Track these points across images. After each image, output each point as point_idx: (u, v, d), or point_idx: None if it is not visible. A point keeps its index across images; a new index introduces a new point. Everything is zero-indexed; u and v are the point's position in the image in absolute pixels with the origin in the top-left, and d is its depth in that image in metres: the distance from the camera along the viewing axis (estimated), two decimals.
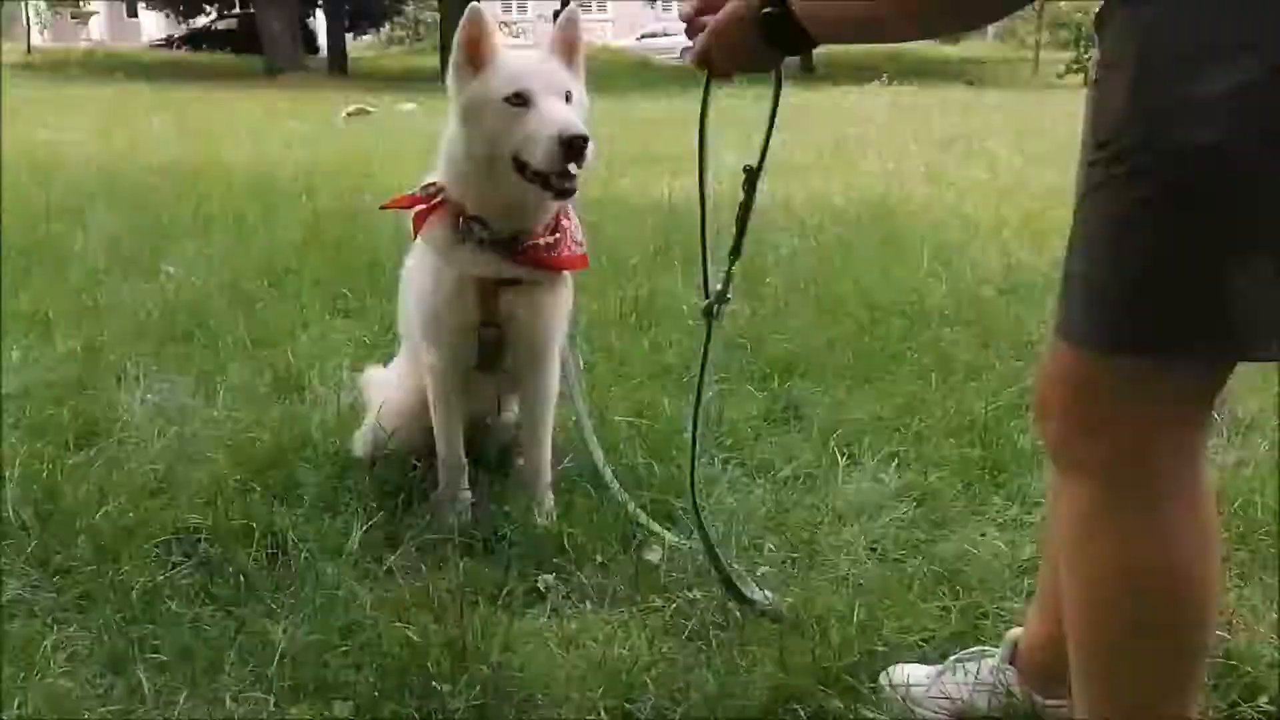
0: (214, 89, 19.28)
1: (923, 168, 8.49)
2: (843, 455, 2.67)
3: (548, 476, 2.41)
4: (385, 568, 2.11)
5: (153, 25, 42.75)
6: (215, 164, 8.32)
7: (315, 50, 31.68)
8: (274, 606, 1.96)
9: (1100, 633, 1.32)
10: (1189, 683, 1.32)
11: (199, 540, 2.18)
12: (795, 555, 2.23)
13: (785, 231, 5.45)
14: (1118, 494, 1.28)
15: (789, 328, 3.70)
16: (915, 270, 4.62)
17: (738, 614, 1.98)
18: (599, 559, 2.17)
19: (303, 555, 2.12)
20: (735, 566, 2.07)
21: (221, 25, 35.37)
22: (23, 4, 32.11)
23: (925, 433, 2.82)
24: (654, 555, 2.18)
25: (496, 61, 2.03)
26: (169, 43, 36.32)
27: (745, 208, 1.80)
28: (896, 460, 2.65)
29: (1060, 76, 23.32)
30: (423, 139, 9.87)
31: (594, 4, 44.43)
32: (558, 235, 2.19)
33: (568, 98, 2.07)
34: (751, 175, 1.76)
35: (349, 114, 13.55)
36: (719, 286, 1.90)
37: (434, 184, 2.19)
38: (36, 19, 36.19)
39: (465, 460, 2.40)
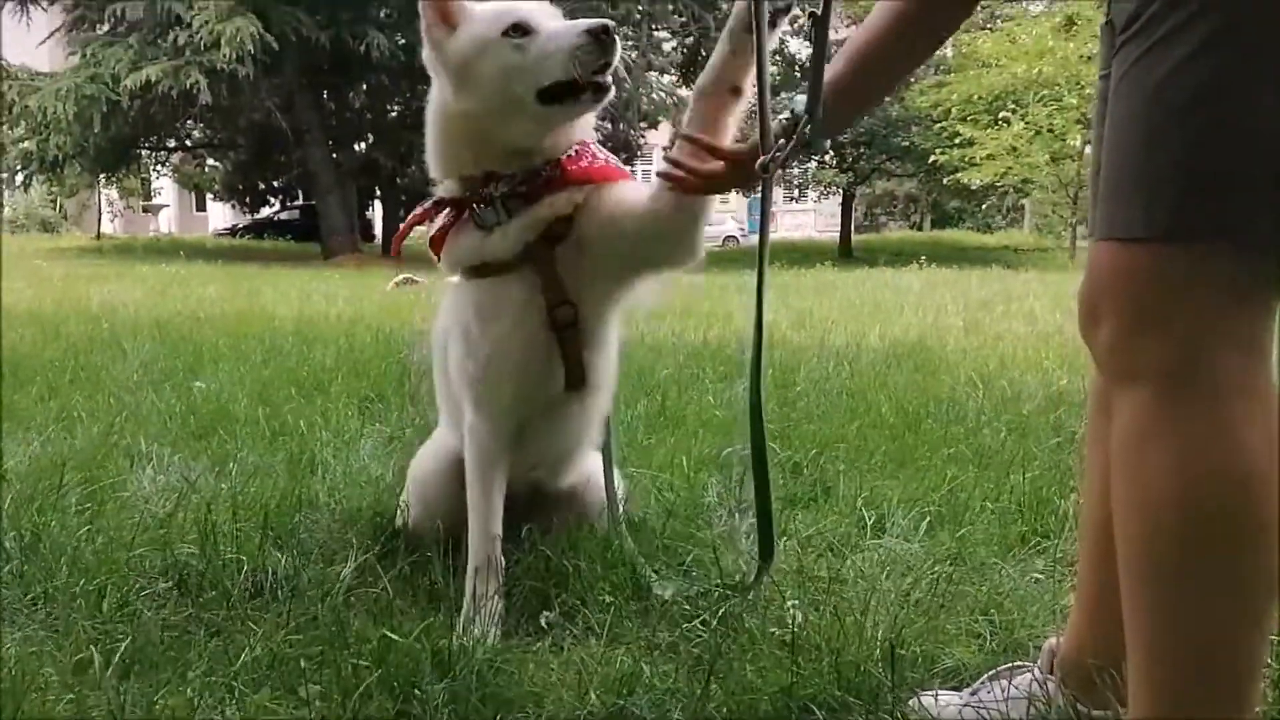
0: (270, 267, 19.98)
1: (961, 322, 8.46)
2: (870, 518, 2.52)
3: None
4: (375, 596, 1.98)
5: (220, 217, 44.86)
6: (260, 313, 8.50)
7: (371, 238, 32.94)
8: (254, 626, 1.83)
9: (1159, 553, 1.17)
10: (1260, 613, 1.15)
11: (187, 572, 2.06)
12: (820, 604, 2.07)
13: (819, 362, 5.40)
14: (1177, 394, 1.15)
15: (821, 416, 3.58)
16: (952, 385, 4.51)
17: (755, 633, 1.81)
18: (607, 598, 2.02)
19: (291, 587, 2.00)
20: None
21: (284, 215, 37.03)
22: (97, 193, 33.84)
23: (961, 504, 2.66)
24: (666, 592, 2.03)
25: (471, 10, 1.88)
26: (233, 231, 37.98)
27: (816, 55, 1.64)
28: (928, 521, 2.49)
29: None
30: None
31: None
32: (577, 151, 1.94)
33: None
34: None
35: (397, 283, 13.89)
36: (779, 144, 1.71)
37: (428, 204, 2.04)
38: (109, 208, 38.09)
39: (503, 559, 2.02)
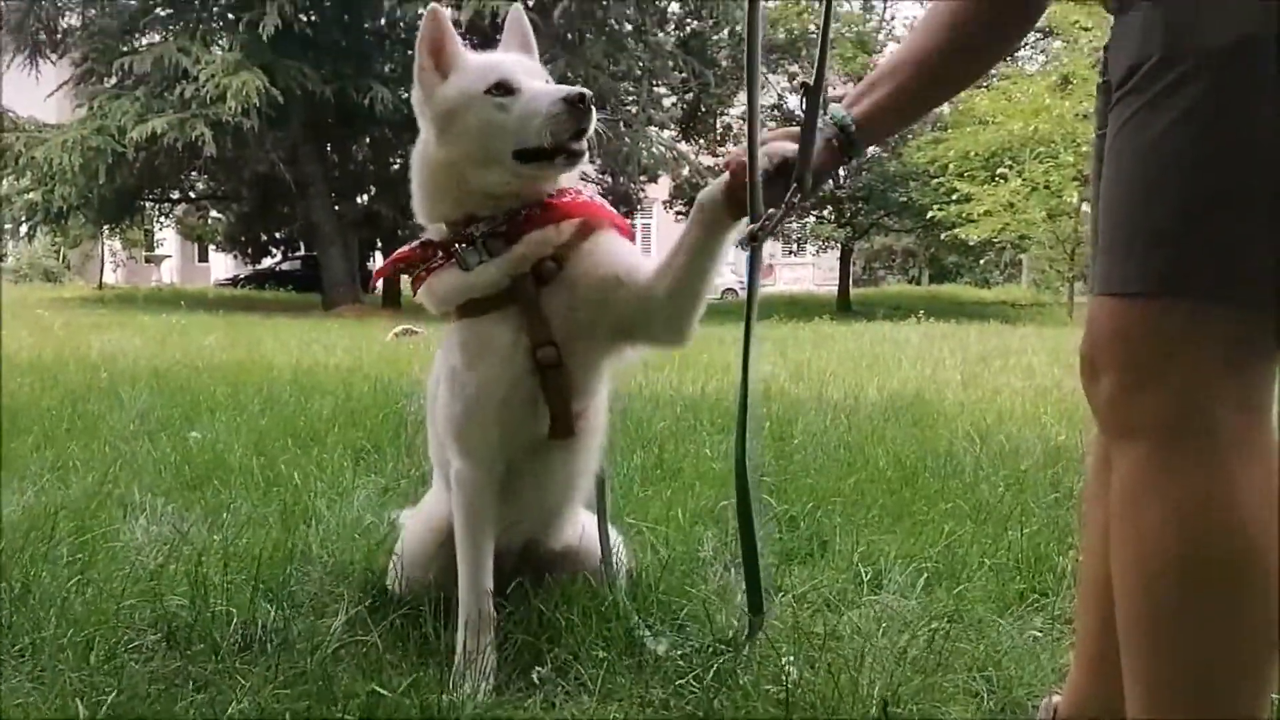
0: (271, 317, 20.04)
1: (959, 376, 8.46)
2: (867, 574, 2.50)
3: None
4: (365, 650, 1.95)
5: (221, 268, 45.07)
6: (259, 363, 8.51)
7: (372, 289, 33.08)
8: (242, 679, 1.81)
9: (1157, 610, 1.16)
10: (1260, 668, 1.14)
11: (169, 623, 2.04)
12: (814, 660, 2.05)
13: (817, 414, 5.39)
14: (1175, 450, 1.16)
15: (818, 469, 3.57)
16: (949, 439, 4.50)
17: (749, 690, 1.79)
18: (600, 653, 2.00)
19: (281, 641, 1.98)
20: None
21: (286, 266, 37.21)
22: (100, 244, 34.03)
23: (958, 560, 2.65)
24: (661, 647, 2.00)
25: (464, 60, 1.91)
26: (234, 282, 38.13)
27: (807, 125, 1.69)
28: (925, 577, 2.47)
29: None
30: None
31: None
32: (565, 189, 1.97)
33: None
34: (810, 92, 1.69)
35: (397, 333, 13.93)
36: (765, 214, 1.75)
37: (414, 245, 2.05)
38: (111, 258, 38.28)
39: (494, 613, 1.98)
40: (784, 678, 1.81)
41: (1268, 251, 1.09)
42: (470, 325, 1.94)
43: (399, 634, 2.06)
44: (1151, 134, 1.12)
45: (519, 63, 1.94)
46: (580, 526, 2.28)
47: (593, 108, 1.84)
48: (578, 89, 1.83)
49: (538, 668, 1.95)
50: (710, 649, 1.99)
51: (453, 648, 1.93)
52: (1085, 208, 23.28)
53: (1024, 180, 22.89)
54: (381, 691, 1.67)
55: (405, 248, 2.07)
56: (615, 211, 2.02)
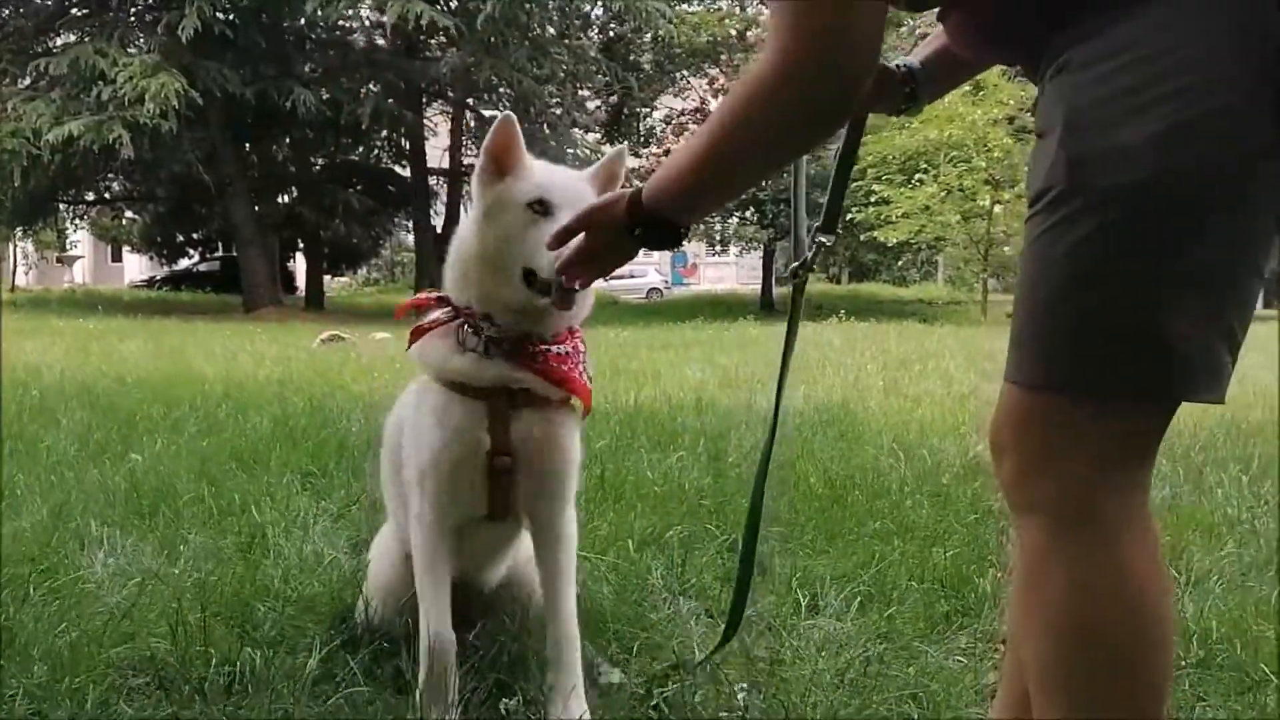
0: (191, 321, 19.72)
1: (881, 382, 8.74)
2: (805, 598, 2.69)
3: (577, 660, 2.06)
4: (339, 688, 2.07)
5: (135, 268, 44.05)
6: (188, 374, 8.46)
7: (294, 290, 32.67)
8: None
9: (1063, 675, 1.32)
10: (1154, 716, 1.31)
11: (158, 663, 2.14)
12: (761, 685, 2.22)
13: (747, 427, 5.59)
14: (1068, 531, 1.31)
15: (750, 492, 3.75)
16: (875, 455, 4.73)
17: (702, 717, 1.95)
18: None
19: (259, 680, 2.09)
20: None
21: (204, 267, 36.53)
22: (12, 245, 33.05)
23: (888, 577, 2.84)
24: (614, 677, 2.16)
25: (524, 168, 1.97)
26: (150, 283, 37.32)
27: (840, 178, 1.82)
28: (859, 599, 2.66)
29: (1009, 316, 24.21)
30: (397, 360, 10.20)
31: None
32: (572, 349, 2.06)
33: None
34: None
35: (323, 340, 13.86)
36: (807, 254, 1.87)
37: (435, 292, 2.12)
38: (24, 260, 37.20)
39: (453, 636, 2.07)
40: (742, 704, 1.97)
41: (1149, 360, 1.27)
42: (442, 397, 2.04)
43: (374, 666, 2.18)
44: (1055, 252, 1.29)
45: (571, 191, 1.96)
46: (515, 567, 2.39)
47: None
48: None
49: (504, 699, 2.09)
50: (665, 676, 2.14)
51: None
52: (998, 209, 24.00)
53: (939, 184, 23.50)
54: None
55: (425, 295, 2.15)
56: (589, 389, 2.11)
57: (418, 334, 2.08)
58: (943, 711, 2.04)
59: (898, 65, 1.82)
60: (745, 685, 2.11)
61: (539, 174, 1.98)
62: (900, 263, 37.00)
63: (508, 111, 2.03)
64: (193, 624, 2.32)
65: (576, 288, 1.84)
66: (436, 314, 2.07)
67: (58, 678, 1.99)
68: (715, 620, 2.59)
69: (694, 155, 1.47)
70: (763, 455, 2.08)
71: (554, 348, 2.04)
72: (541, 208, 1.92)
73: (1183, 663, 2.27)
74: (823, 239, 1.83)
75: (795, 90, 1.34)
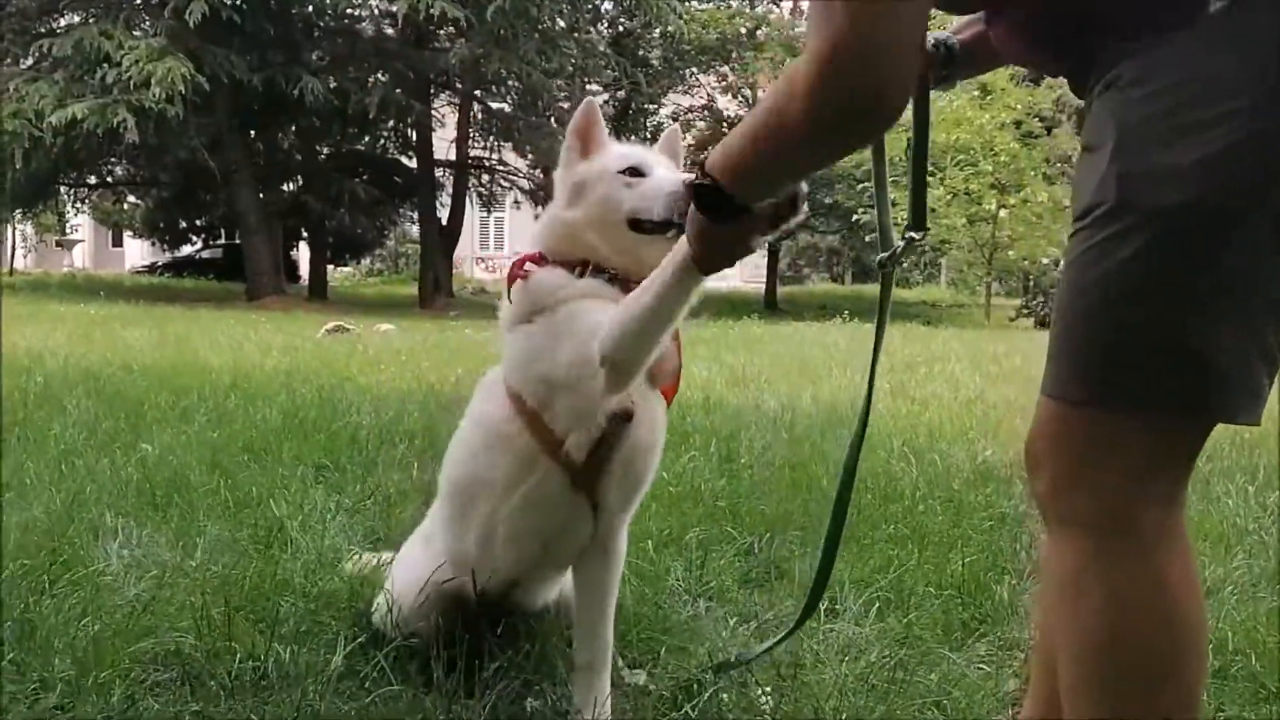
0: (194, 308, 19.71)
1: (887, 385, 8.74)
2: (824, 602, 2.68)
3: (607, 673, 2.07)
4: (364, 685, 2.07)
5: (137, 253, 43.99)
6: (194, 364, 8.46)
7: (297, 279, 32.64)
8: (254, 718, 1.92)
9: (1097, 684, 1.34)
10: None
11: (182, 658, 2.14)
12: (783, 689, 2.22)
13: (757, 427, 5.60)
14: (1105, 545, 1.33)
15: (766, 497, 3.76)
16: (886, 459, 4.73)
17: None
18: None
19: (284, 673, 2.09)
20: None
21: (206, 254, 36.51)
22: (10, 228, 33.03)
23: (905, 583, 2.85)
24: (640, 679, 2.16)
25: (608, 146, 2.12)
26: (151, 269, 37.29)
27: (917, 181, 1.81)
28: (877, 605, 2.67)
29: (1012, 320, 24.39)
30: (402, 352, 10.22)
31: None
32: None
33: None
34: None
35: (328, 330, 13.86)
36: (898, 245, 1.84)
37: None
38: (23, 243, 37.18)
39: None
40: (762, 706, 1.98)
41: (1189, 375, 1.28)
42: (562, 315, 2.01)
43: (395, 666, 2.18)
44: (1100, 270, 1.31)
45: (658, 158, 2.12)
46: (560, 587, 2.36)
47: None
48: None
49: (529, 699, 2.10)
50: (693, 684, 2.14)
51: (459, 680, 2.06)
52: (1003, 213, 24.01)
53: (945, 187, 23.49)
54: None
55: (520, 257, 2.14)
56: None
57: (518, 276, 2.07)
58: (966, 718, 2.04)
59: (935, 44, 1.82)
60: (770, 689, 2.11)
61: (624, 148, 2.12)
62: (904, 265, 36.96)
63: (589, 96, 2.08)
64: (215, 618, 2.33)
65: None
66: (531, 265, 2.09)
67: (83, 673, 1.99)
68: (737, 623, 2.60)
69: (743, 134, 1.46)
70: (853, 445, 2.10)
71: None
72: (633, 172, 2.04)
73: None
74: (914, 235, 1.80)
75: (834, 89, 1.31)
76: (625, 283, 2.00)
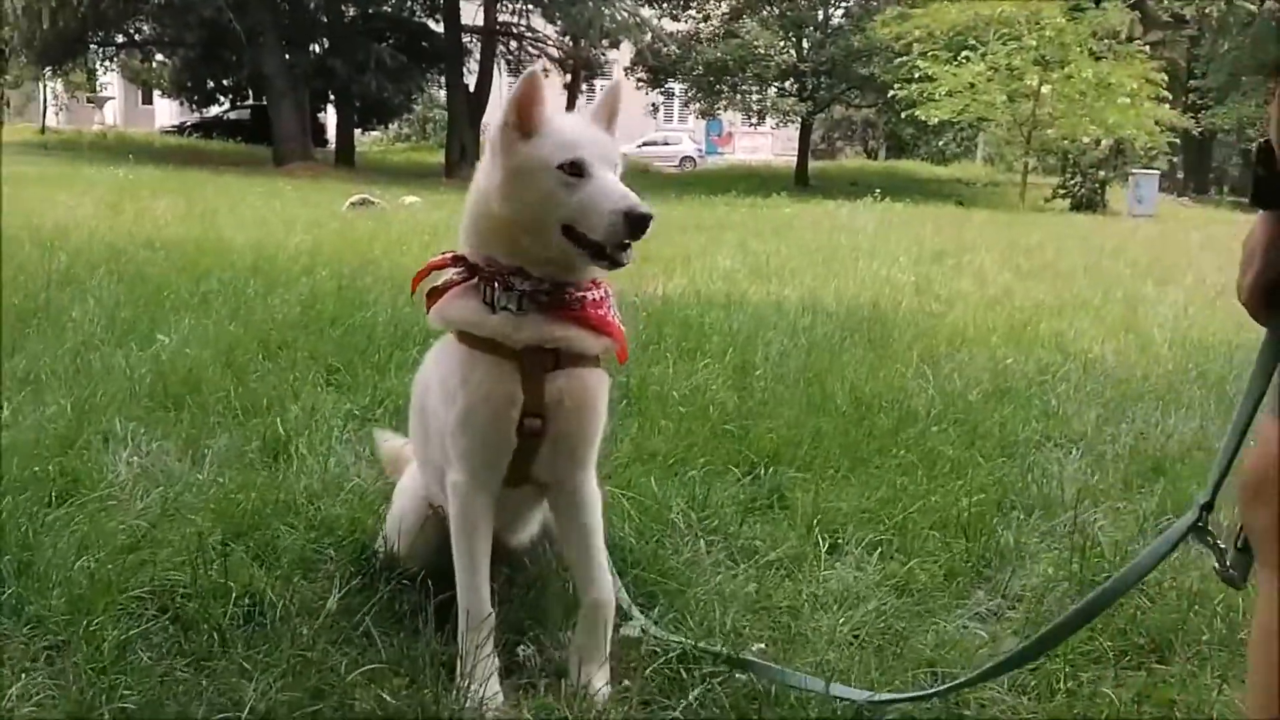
0: (222, 174, 19.61)
1: (912, 278, 8.60)
2: (825, 542, 2.67)
3: (608, 630, 2.06)
4: (360, 630, 2.09)
5: (166, 113, 43.67)
6: (218, 243, 8.44)
7: (324, 143, 32.34)
8: (246, 665, 1.94)
9: None
10: None
11: (176, 597, 2.16)
12: (776, 637, 2.23)
13: (776, 330, 5.54)
14: None
15: (777, 416, 3.72)
16: (903, 372, 4.66)
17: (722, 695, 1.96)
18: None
19: (278, 615, 2.11)
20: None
21: (234, 115, 36.15)
22: (41, 85, 32.79)
23: (909, 525, 2.82)
24: (632, 631, 2.16)
25: (549, 127, 1.92)
26: (180, 129, 37.03)
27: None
28: (879, 549, 2.65)
29: (1047, 201, 23.82)
30: (425, 231, 10.14)
31: None
32: (603, 294, 2.01)
33: (615, 170, 1.96)
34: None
35: (353, 203, 13.75)
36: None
37: (449, 253, 2.05)
38: (54, 101, 36.94)
39: (491, 612, 2.00)
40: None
41: None
42: (470, 358, 1.97)
43: (390, 605, 2.20)
44: None
45: (598, 146, 1.93)
46: (539, 523, 2.37)
47: (651, 228, 1.85)
48: (646, 210, 1.84)
49: (521, 646, 2.11)
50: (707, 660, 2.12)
51: (445, 636, 2.06)
52: (1045, 89, 23.24)
53: (986, 62, 22.73)
54: (381, 692, 1.81)
55: (439, 257, 2.07)
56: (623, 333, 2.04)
57: (436, 296, 2.00)
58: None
59: None
60: (763, 646, 2.11)
61: (566, 132, 1.92)
62: (941, 141, 36.12)
63: (533, 67, 1.93)
64: (212, 550, 2.34)
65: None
66: (450, 274, 2.00)
67: (76, 613, 2.01)
68: (736, 560, 2.59)
69: None
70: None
71: (587, 294, 1.98)
72: (574, 169, 1.88)
73: None
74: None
75: None
76: (562, 303, 1.94)
